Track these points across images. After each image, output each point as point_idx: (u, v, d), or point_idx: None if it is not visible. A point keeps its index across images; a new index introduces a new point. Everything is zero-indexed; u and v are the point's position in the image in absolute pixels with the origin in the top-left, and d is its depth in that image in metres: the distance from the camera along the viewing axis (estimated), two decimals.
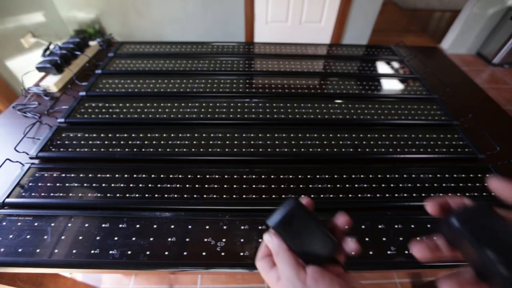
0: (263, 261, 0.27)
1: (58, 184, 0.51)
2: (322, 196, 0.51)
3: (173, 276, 1.02)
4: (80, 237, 0.44)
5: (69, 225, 0.46)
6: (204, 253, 0.43)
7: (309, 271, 0.24)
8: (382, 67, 0.91)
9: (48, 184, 0.51)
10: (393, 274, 1.04)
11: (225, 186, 0.52)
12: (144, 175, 0.53)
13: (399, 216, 0.48)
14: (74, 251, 0.42)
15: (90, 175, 0.53)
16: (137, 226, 0.46)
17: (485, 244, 0.19)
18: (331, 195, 0.51)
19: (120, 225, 0.46)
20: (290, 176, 0.54)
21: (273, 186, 0.52)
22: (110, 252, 0.42)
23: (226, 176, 0.53)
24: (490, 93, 0.92)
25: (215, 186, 0.52)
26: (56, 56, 0.82)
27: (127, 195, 0.50)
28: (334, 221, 0.27)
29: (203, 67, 0.87)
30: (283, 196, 0.50)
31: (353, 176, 0.54)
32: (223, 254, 0.43)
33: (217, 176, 0.53)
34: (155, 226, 0.46)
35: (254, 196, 0.50)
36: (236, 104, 0.72)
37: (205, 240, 0.44)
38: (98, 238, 0.44)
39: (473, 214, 0.21)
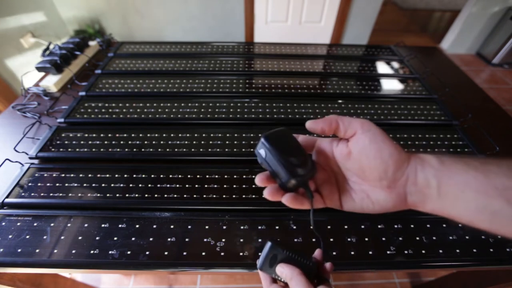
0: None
1: (57, 184, 0.51)
2: None
3: (172, 276, 1.02)
4: (80, 237, 0.44)
5: (69, 225, 0.46)
6: (203, 253, 0.43)
7: None
8: (382, 67, 0.91)
9: (48, 184, 0.51)
10: (393, 274, 1.04)
11: (224, 186, 0.52)
12: (143, 175, 0.53)
13: (398, 216, 0.48)
14: (73, 251, 0.42)
15: (89, 175, 0.53)
16: (137, 226, 0.46)
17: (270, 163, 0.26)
18: None
19: (120, 225, 0.45)
20: None
21: None
22: (110, 252, 0.42)
23: (226, 176, 0.53)
24: (489, 93, 0.92)
25: (215, 186, 0.52)
26: (56, 56, 0.82)
27: (127, 195, 0.50)
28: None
29: (203, 67, 0.87)
30: None
31: None
32: (222, 254, 0.43)
33: (217, 176, 0.53)
34: (154, 226, 0.46)
35: (254, 196, 0.50)
36: (236, 104, 0.72)
37: (205, 240, 0.44)
38: (97, 238, 0.44)
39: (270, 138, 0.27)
